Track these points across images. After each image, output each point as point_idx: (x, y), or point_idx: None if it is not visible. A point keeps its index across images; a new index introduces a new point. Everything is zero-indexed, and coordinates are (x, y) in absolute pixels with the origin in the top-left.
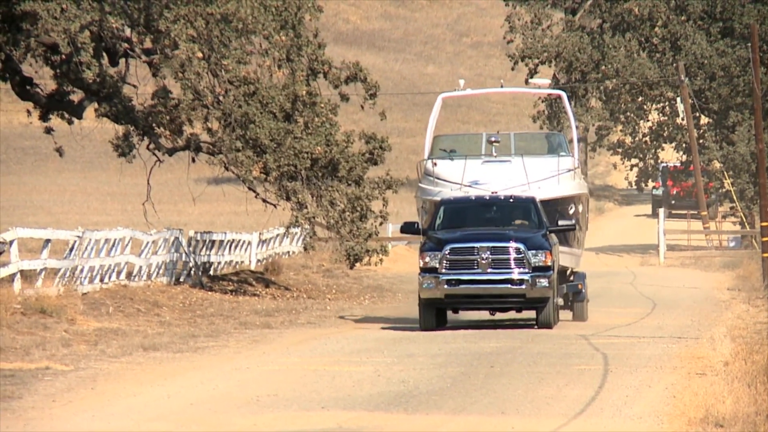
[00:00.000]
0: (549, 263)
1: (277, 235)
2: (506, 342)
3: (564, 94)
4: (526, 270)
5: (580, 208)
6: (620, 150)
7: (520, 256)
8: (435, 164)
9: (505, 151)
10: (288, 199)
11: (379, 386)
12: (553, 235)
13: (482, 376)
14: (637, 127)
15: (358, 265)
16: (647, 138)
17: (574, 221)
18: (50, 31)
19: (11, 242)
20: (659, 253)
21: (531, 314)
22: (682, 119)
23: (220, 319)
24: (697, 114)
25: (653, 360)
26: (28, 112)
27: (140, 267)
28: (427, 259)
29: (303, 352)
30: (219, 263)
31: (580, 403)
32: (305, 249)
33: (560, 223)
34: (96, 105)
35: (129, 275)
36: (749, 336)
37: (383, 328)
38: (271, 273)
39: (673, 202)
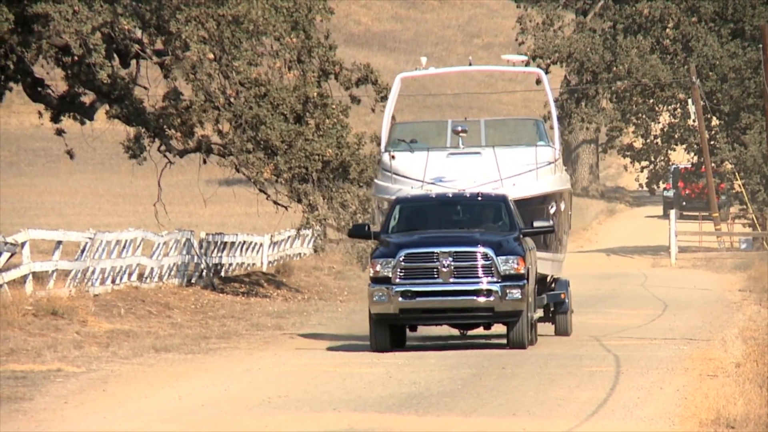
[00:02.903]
0: (522, 271)
1: (289, 237)
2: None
3: (543, 74)
4: (495, 279)
5: (563, 206)
6: (629, 153)
7: (488, 262)
8: (393, 157)
9: (474, 142)
10: (299, 200)
11: (390, 388)
12: (528, 238)
13: (493, 378)
14: (648, 129)
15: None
16: (658, 139)
17: (551, 222)
18: (62, 33)
19: (23, 244)
20: (670, 254)
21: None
22: (694, 121)
23: (231, 320)
24: (709, 115)
25: (664, 361)
26: (40, 113)
27: (152, 268)
28: (378, 267)
29: (314, 353)
30: (230, 265)
31: (592, 405)
32: (316, 251)
33: (535, 224)
34: (107, 107)
35: (140, 277)
36: (761, 337)
37: None
38: (283, 275)
39: (684, 203)
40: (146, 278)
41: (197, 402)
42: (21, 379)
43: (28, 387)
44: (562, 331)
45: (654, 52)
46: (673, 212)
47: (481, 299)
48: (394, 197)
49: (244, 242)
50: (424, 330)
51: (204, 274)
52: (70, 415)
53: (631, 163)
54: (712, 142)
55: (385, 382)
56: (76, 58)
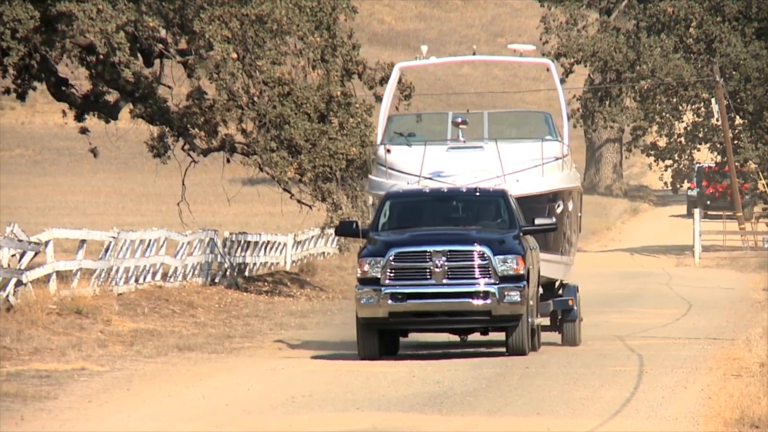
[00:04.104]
0: (521, 271)
1: (312, 236)
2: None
3: (552, 64)
4: (493, 280)
5: (571, 205)
6: (653, 152)
7: (485, 262)
8: (389, 151)
9: (476, 135)
10: (323, 200)
11: (413, 387)
12: (530, 237)
13: (517, 377)
14: (672, 128)
15: None
16: (682, 139)
17: (554, 220)
18: (86, 32)
19: (47, 243)
20: (695, 253)
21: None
22: (717, 120)
23: (255, 319)
24: (732, 115)
25: (689, 361)
26: (64, 112)
27: (175, 268)
28: (367, 267)
29: (335, 353)
30: (254, 264)
31: (616, 404)
32: (340, 250)
33: (537, 221)
34: (131, 106)
35: (164, 276)
36: None
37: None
38: (306, 274)
39: (708, 202)
40: (170, 277)
41: (221, 401)
42: (45, 378)
43: (53, 386)
44: (570, 340)
45: (678, 51)
46: (697, 211)
47: (478, 302)
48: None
49: (268, 241)
50: (420, 335)
51: (228, 273)
52: (94, 414)
53: (655, 161)
54: (735, 142)
55: (409, 382)
56: (100, 57)
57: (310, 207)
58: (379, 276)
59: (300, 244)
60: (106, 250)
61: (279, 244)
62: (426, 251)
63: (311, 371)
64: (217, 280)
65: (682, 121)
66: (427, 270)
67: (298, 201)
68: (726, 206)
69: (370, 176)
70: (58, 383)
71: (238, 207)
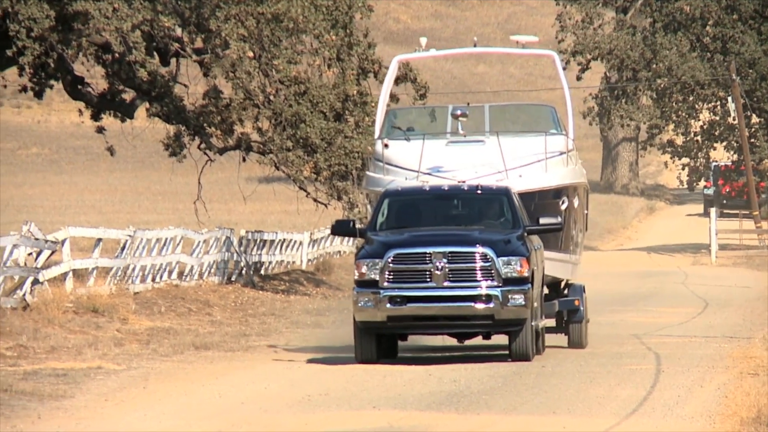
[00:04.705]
0: (526, 274)
1: (328, 235)
2: (556, 341)
3: (556, 56)
4: (496, 283)
5: (576, 201)
6: (670, 150)
7: (487, 264)
8: (386, 146)
9: (477, 129)
10: (339, 198)
11: (430, 385)
12: (534, 237)
13: (533, 376)
14: (688, 127)
15: None
16: (698, 137)
17: (560, 219)
18: (102, 31)
19: (63, 241)
20: (711, 252)
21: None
22: (734, 119)
23: (271, 318)
24: (749, 113)
25: (705, 360)
26: (80, 111)
27: (192, 266)
28: (364, 269)
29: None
30: (270, 263)
31: (632, 403)
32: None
33: (542, 221)
34: (147, 105)
35: (180, 274)
36: None
37: None
38: (322, 273)
39: (724, 201)
40: (186, 276)
41: (237, 400)
42: (62, 377)
43: (69, 384)
44: (576, 342)
45: (694, 50)
46: (713, 210)
47: (480, 306)
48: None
49: (284, 240)
50: (417, 337)
51: (244, 271)
52: (111, 413)
53: (671, 159)
54: (752, 140)
55: (425, 380)
56: (116, 56)
57: (325, 205)
58: (377, 278)
59: (316, 243)
60: (123, 249)
61: (295, 242)
62: (426, 253)
63: (327, 369)
64: (233, 279)
65: (699, 120)
66: (428, 272)
67: (314, 199)
68: (742, 205)
69: (367, 172)
70: (75, 382)
71: (254, 205)
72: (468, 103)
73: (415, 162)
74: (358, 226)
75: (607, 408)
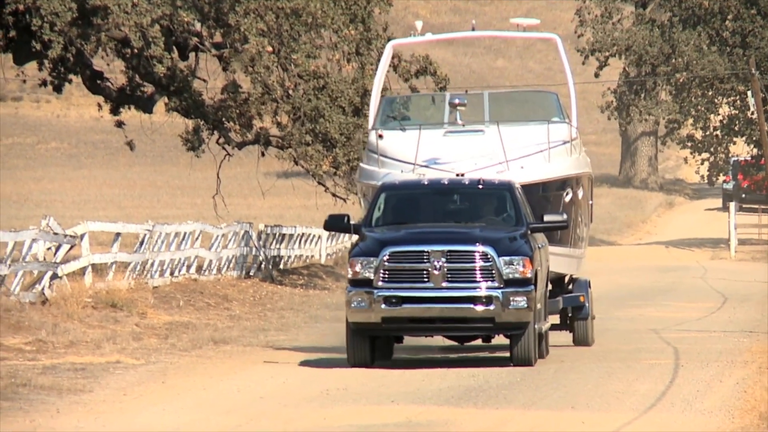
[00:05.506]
0: (528, 274)
1: None
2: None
3: (558, 39)
4: (497, 284)
5: (580, 193)
6: (690, 144)
7: (488, 264)
8: (381, 136)
9: (476, 118)
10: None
11: (448, 380)
12: (538, 234)
13: (552, 371)
14: (707, 121)
15: None
16: (718, 132)
17: (565, 216)
18: (121, 26)
19: (82, 236)
20: (730, 247)
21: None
22: (753, 113)
23: (290, 312)
24: None
25: (724, 354)
26: (99, 106)
27: (210, 261)
28: (358, 268)
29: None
30: (289, 257)
31: (651, 398)
32: None
33: (546, 218)
34: (166, 99)
35: (199, 269)
36: None
37: None
38: (341, 267)
39: (743, 195)
40: (205, 270)
41: (256, 394)
42: (80, 371)
43: (88, 379)
44: (582, 340)
45: (713, 44)
46: (732, 205)
47: (479, 308)
48: (380, 183)
49: (303, 234)
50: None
51: (262, 266)
52: (129, 407)
53: (691, 154)
54: None
55: (444, 375)
56: (135, 50)
57: (344, 200)
58: (371, 277)
59: (335, 237)
60: (141, 243)
61: (314, 236)
62: (423, 251)
63: (346, 364)
64: (251, 273)
65: (718, 114)
66: (425, 272)
67: (333, 194)
68: (762, 199)
69: (361, 164)
70: (94, 376)
71: (273, 200)
72: (466, 90)
73: (411, 154)
74: (352, 221)
75: (626, 403)
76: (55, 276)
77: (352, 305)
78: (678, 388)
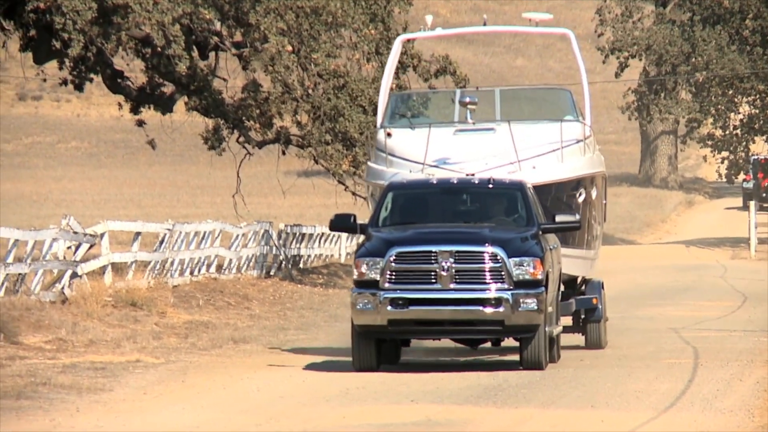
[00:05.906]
0: (539, 276)
1: None
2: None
3: (571, 34)
4: (506, 286)
5: (594, 193)
6: (710, 142)
7: (497, 265)
8: (389, 135)
9: (487, 116)
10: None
11: (468, 379)
12: (550, 235)
13: (571, 370)
14: (727, 120)
15: None
16: (738, 131)
17: (578, 217)
18: (141, 24)
19: (102, 235)
20: (750, 246)
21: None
22: None
23: (310, 312)
24: None
25: (744, 354)
26: (119, 105)
27: (230, 260)
28: (364, 269)
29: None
30: (309, 256)
31: (670, 397)
32: None
33: (558, 218)
34: (186, 98)
35: (219, 268)
36: None
37: None
38: None
39: (764, 194)
40: (225, 269)
41: (275, 393)
42: (100, 370)
43: (108, 378)
44: (594, 342)
45: (733, 43)
46: (752, 204)
47: (489, 310)
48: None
49: (323, 234)
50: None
51: (282, 265)
52: (149, 406)
53: (711, 153)
54: None
55: (464, 374)
56: (156, 49)
57: (365, 199)
58: (378, 278)
59: (355, 236)
60: (161, 243)
61: (334, 236)
62: (431, 251)
63: None
64: (272, 273)
65: (738, 113)
66: (433, 273)
67: (353, 193)
68: None
69: (368, 163)
70: (113, 375)
71: (293, 199)
72: (477, 87)
73: (420, 153)
74: (359, 221)
75: (646, 402)
76: (75, 275)
77: (358, 307)
78: (698, 388)
